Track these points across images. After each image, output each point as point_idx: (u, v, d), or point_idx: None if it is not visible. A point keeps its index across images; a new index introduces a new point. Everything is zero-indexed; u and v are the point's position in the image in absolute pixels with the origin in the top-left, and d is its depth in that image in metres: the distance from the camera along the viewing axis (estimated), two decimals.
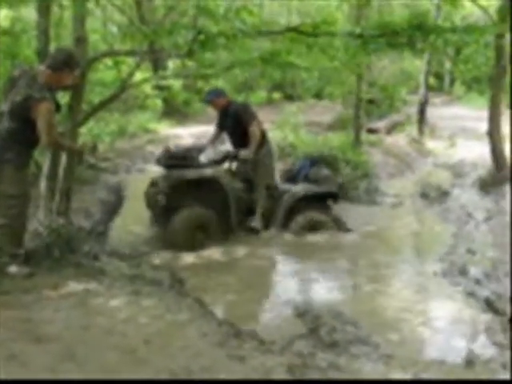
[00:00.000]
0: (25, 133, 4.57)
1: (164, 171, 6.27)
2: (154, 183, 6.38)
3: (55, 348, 3.65)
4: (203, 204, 6.12)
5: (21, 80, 4.59)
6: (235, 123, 6.50)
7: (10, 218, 4.68)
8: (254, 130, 6.35)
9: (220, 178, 6.23)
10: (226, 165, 6.56)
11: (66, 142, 5.10)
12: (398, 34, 5.20)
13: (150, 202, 6.36)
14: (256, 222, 6.41)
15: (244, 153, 6.32)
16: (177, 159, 6.14)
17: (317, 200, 6.72)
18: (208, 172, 6.19)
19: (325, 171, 7.03)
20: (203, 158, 6.28)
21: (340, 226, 6.75)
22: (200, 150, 6.48)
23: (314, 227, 6.57)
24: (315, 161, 7.15)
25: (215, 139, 6.93)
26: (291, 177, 7.11)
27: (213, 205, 6.17)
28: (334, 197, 6.95)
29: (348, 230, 6.76)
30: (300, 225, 6.51)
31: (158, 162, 6.39)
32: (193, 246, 5.93)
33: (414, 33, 5.15)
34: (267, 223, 6.51)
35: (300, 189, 6.69)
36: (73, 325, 4.00)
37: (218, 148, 6.76)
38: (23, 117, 4.51)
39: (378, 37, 5.28)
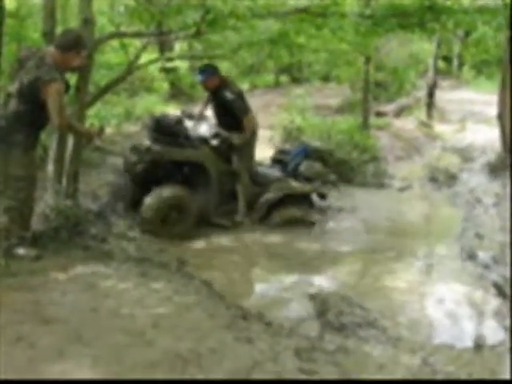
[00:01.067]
0: (33, 114, 4.53)
1: (149, 140, 5.93)
2: (136, 148, 6.05)
3: (63, 330, 3.65)
4: (184, 183, 5.88)
5: (29, 62, 4.55)
6: (223, 111, 6.34)
7: (17, 201, 4.67)
8: (248, 123, 6.21)
9: (206, 162, 6.00)
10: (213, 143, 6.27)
11: (76, 124, 5.07)
12: (409, 15, 5.14)
13: (128, 168, 6.06)
14: (240, 215, 6.24)
15: (236, 139, 6.16)
16: (165, 134, 5.84)
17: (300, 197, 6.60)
18: (194, 154, 5.95)
19: (317, 167, 6.83)
20: (193, 129, 6.14)
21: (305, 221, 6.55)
22: (189, 117, 6.36)
23: (292, 222, 6.41)
24: (310, 152, 6.90)
25: (203, 111, 6.69)
26: (282, 161, 6.88)
27: (194, 186, 5.94)
28: (322, 196, 6.85)
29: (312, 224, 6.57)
30: (279, 219, 6.35)
31: (145, 128, 6.13)
32: (164, 226, 5.70)
33: (425, 14, 5.08)
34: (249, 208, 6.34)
35: (285, 186, 6.52)
36: (80, 307, 4.00)
37: (209, 123, 6.50)
38: (32, 98, 4.47)
39: (389, 18, 5.22)
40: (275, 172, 6.67)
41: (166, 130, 5.86)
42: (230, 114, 6.24)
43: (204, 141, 6.16)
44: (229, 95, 6.23)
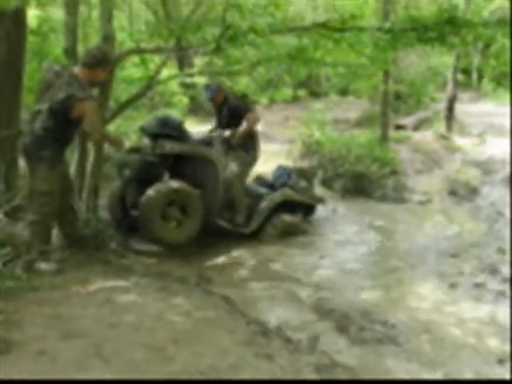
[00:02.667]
0: (61, 131, 4.63)
1: (151, 140, 5.77)
2: (135, 150, 5.90)
3: (83, 344, 3.66)
4: (189, 182, 5.63)
5: (58, 80, 4.62)
6: (231, 118, 6.39)
7: (42, 215, 4.74)
8: (249, 118, 6.27)
9: (216, 160, 5.91)
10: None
11: (108, 133, 5.21)
12: (428, 29, 5.12)
13: (123, 168, 5.89)
14: (240, 216, 6.23)
15: (228, 134, 6.22)
16: (169, 129, 5.72)
17: (293, 208, 6.62)
18: (205, 150, 5.87)
19: (303, 183, 6.92)
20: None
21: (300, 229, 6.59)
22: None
23: (288, 231, 6.45)
24: (290, 173, 6.97)
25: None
26: (265, 184, 6.93)
27: (199, 185, 5.71)
28: (311, 209, 6.90)
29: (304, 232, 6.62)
30: (275, 228, 6.37)
31: (145, 129, 5.87)
32: (166, 226, 5.50)
33: (445, 27, 5.06)
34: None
35: (283, 193, 6.60)
36: (101, 321, 4.01)
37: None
38: (62, 115, 4.55)
39: (408, 31, 5.20)
40: (263, 189, 6.71)
41: (170, 129, 5.76)
42: (236, 123, 6.32)
43: (204, 142, 6.19)
44: (234, 101, 6.47)
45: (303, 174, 7.04)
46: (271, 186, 6.85)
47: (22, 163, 6.37)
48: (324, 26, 5.44)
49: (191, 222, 5.60)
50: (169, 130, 5.72)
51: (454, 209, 8.32)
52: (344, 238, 6.62)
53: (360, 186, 8.86)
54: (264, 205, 6.36)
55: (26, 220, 4.77)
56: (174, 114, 14.51)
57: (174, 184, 5.51)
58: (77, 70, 4.72)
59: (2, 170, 5.34)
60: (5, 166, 5.38)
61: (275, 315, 4.31)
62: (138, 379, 3.20)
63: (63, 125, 4.58)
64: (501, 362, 3.78)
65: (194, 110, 16.37)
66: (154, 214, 5.36)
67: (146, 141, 5.84)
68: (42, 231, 4.79)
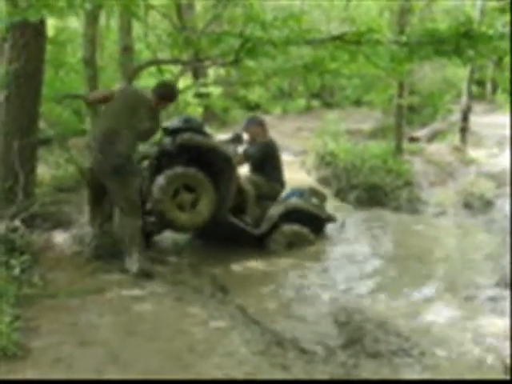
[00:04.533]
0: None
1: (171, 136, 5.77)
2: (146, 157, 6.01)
3: (100, 352, 3.70)
4: (205, 174, 5.63)
5: (139, 105, 5.16)
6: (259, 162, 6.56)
7: (138, 220, 5.15)
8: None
9: (232, 157, 5.91)
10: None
11: None
12: (445, 42, 5.13)
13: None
14: (249, 216, 6.22)
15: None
16: (189, 125, 5.74)
17: (303, 221, 6.56)
18: (224, 147, 5.89)
19: (314, 201, 6.86)
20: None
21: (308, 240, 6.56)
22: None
23: (295, 241, 6.41)
24: (302, 192, 6.90)
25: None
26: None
27: (213, 178, 5.70)
28: (320, 224, 6.84)
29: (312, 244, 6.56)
30: (284, 236, 6.33)
31: (167, 128, 5.85)
32: (177, 209, 5.48)
33: (461, 40, 5.07)
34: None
35: (296, 201, 6.61)
36: (117, 329, 4.05)
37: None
38: (144, 139, 5.34)
39: (425, 44, 5.22)
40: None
41: (190, 125, 5.77)
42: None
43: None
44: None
45: (315, 193, 7.02)
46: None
47: (40, 170, 6.48)
48: (341, 38, 5.47)
49: (203, 205, 5.59)
50: (189, 126, 5.75)
51: (468, 221, 8.28)
52: (357, 250, 6.61)
53: (374, 197, 8.85)
54: (275, 210, 6.35)
55: (122, 226, 5.17)
56: None
57: (182, 169, 5.53)
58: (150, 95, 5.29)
59: (22, 178, 5.41)
60: (24, 174, 5.45)
61: (290, 326, 4.31)
62: (139, 379, 3.21)
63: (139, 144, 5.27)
64: None
65: (208, 119, 16.45)
66: (164, 199, 5.39)
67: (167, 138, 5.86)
68: (139, 234, 5.16)
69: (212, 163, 5.79)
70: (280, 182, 6.66)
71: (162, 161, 5.67)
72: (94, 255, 5.26)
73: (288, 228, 6.35)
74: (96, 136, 5.13)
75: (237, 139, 6.37)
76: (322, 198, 7.04)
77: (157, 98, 5.28)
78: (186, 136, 5.59)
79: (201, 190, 5.55)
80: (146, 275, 5.00)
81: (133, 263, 5.05)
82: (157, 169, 5.69)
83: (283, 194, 6.81)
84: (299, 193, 6.82)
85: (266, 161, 6.57)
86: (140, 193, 5.45)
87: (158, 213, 5.43)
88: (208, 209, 5.60)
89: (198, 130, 5.76)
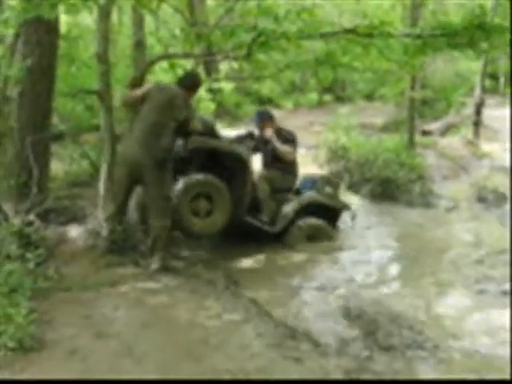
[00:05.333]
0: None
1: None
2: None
3: (114, 344, 3.73)
4: (219, 177, 5.63)
5: (176, 100, 5.17)
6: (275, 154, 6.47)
7: (167, 218, 5.15)
8: (291, 150, 6.44)
9: (247, 159, 5.90)
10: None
11: None
12: (458, 34, 5.10)
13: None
14: (265, 215, 6.23)
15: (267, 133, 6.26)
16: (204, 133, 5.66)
17: (317, 213, 6.57)
18: (238, 148, 5.85)
19: (329, 189, 6.83)
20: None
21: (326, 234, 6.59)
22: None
23: (313, 235, 6.43)
24: (315, 181, 6.88)
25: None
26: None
27: (229, 182, 5.69)
28: (336, 215, 6.83)
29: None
30: (301, 231, 6.35)
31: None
32: (193, 216, 5.48)
33: (475, 33, 5.04)
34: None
35: (310, 195, 6.58)
36: (131, 322, 4.08)
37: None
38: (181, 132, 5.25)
39: (438, 37, 5.19)
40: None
41: (206, 129, 5.68)
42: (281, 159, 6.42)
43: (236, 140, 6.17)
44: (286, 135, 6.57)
45: (328, 181, 6.99)
46: (297, 192, 6.80)
47: (53, 166, 6.53)
48: (353, 31, 5.45)
49: (219, 213, 5.59)
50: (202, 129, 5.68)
51: (482, 215, 8.24)
52: (371, 244, 6.61)
53: (387, 190, 8.84)
54: (290, 207, 6.35)
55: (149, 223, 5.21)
56: None
57: (200, 176, 5.53)
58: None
59: (36, 173, 5.45)
60: (38, 169, 5.49)
61: (304, 319, 4.32)
62: (141, 379, 3.23)
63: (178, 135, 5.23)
64: None
65: (221, 115, 16.45)
66: (182, 206, 5.39)
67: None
68: (166, 234, 5.17)
69: (227, 166, 5.81)
70: (294, 174, 6.65)
71: (176, 168, 5.58)
72: (108, 249, 5.29)
73: (304, 222, 6.36)
74: (139, 130, 5.11)
75: (249, 136, 6.37)
76: (336, 185, 7.02)
77: (185, 90, 5.31)
78: (199, 140, 5.58)
79: (217, 197, 5.57)
80: (162, 270, 5.04)
81: (155, 261, 5.09)
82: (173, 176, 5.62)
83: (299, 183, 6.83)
84: (312, 181, 6.80)
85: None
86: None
87: (175, 219, 5.41)
88: (224, 216, 5.61)
89: (210, 131, 5.72)
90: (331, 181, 7.04)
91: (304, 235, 6.35)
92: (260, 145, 6.57)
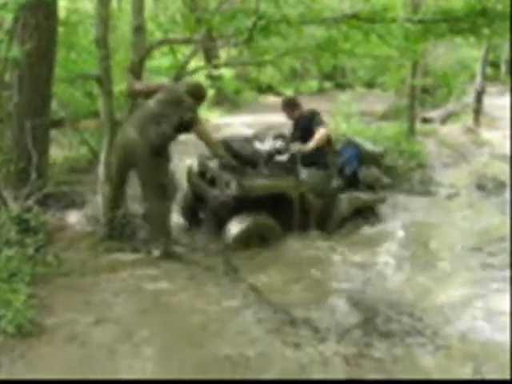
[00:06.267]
0: (175, 136, 5.25)
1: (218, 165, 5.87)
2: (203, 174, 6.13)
3: (114, 330, 3.74)
4: (266, 211, 5.78)
5: (183, 98, 5.25)
6: (304, 133, 6.29)
7: (161, 205, 5.15)
8: (320, 131, 6.07)
9: (290, 191, 5.88)
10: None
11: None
12: (460, 20, 5.06)
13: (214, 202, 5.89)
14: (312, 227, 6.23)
15: (295, 147, 6.01)
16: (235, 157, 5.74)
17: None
18: (277, 185, 5.81)
19: (375, 172, 6.77)
20: (258, 145, 6.12)
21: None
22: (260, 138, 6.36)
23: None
24: (361, 156, 6.74)
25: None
26: (337, 166, 6.77)
27: (276, 213, 5.84)
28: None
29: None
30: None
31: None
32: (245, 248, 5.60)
33: (477, 18, 5.00)
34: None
35: (355, 198, 6.53)
36: (131, 308, 4.08)
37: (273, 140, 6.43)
38: (183, 128, 5.24)
39: (440, 23, 5.15)
40: (334, 181, 6.52)
41: (235, 153, 5.78)
42: (309, 137, 6.24)
43: (270, 156, 6.10)
44: (306, 116, 6.42)
45: (373, 157, 6.90)
46: (340, 171, 6.71)
47: (53, 152, 6.51)
48: (355, 16, 5.41)
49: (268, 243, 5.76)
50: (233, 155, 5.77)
51: (481, 203, 8.23)
52: (371, 232, 6.59)
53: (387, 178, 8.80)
54: (337, 213, 6.35)
55: (146, 209, 5.34)
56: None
57: (255, 219, 5.65)
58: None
59: (35, 158, 5.44)
60: (37, 154, 5.47)
61: (303, 305, 4.32)
62: (143, 379, 3.23)
63: (179, 132, 5.22)
64: None
65: (220, 101, 16.42)
66: (237, 246, 5.53)
67: (212, 163, 5.96)
68: (167, 218, 5.25)
69: (274, 199, 5.86)
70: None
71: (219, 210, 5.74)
72: (107, 235, 5.28)
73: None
74: (140, 117, 5.13)
75: (281, 137, 6.43)
76: (380, 156, 7.03)
77: (192, 99, 5.37)
78: (245, 185, 5.55)
79: (269, 235, 5.74)
80: (167, 256, 5.06)
81: (157, 246, 5.12)
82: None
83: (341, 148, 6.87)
84: (355, 154, 6.74)
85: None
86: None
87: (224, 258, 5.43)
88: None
89: (235, 152, 5.74)
90: (374, 156, 6.91)
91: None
92: (294, 131, 6.58)
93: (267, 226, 5.74)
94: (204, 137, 5.31)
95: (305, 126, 6.29)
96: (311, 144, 6.00)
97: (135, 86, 5.47)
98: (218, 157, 5.54)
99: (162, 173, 5.14)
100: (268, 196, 5.75)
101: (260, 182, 5.67)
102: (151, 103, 5.19)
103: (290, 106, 6.52)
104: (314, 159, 6.17)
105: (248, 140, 6.16)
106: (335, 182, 6.49)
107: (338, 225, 6.33)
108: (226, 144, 5.79)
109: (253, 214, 5.66)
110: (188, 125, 5.18)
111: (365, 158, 6.79)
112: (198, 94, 5.43)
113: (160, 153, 5.07)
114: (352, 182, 6.65)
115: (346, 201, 6.38)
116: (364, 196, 6.61)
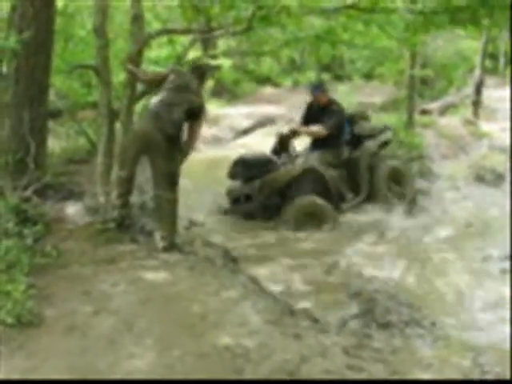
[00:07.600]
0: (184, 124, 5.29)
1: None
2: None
3: (114, 320, 3.72)
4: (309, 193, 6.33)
5: (190, 83, 5.30)
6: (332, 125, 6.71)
7: (174, 193, 5.21)
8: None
9: (319, 168, 6.47)
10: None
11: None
12: (461, 11, 5.04)
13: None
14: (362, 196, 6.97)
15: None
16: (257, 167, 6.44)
17: None
18: (308, 163, 6.45)
19: (369, 124, 7.30)
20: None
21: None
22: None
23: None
24: (349, 119, 7.18)
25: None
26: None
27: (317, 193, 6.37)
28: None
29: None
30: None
31: (234, 175, 6.62)
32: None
33: (478, 9, 4.98)
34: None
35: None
36: (130, 299, 4.06)
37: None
38: (193, 114, 5.28)
39: (440, 13, 5.13)
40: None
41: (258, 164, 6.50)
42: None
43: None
44: (339, 110, 6.90)
45: (360, 116, 7.36)
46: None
47: (51, 143, 6.48)
48: (355, 6, 5.38)
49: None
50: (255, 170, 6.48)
51: (480, 194, 8.24)
52: (369, 223, 6.59)
53: None
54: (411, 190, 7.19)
55: (155, 197, 5.31)
56: None
57: (316, 199, 6.29)
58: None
59: (32, 149, 5.41)
60: (35, 145, 5.45)
61: (302, 296, 4.33)
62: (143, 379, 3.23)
63: (188, 119, 5.26)
64: None
65: (219, 92, 16.35)
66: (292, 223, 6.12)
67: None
68: (171, 206, 5.22)
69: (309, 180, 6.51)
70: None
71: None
72: (106, 226, 5.26)
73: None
74: (155, 107, 5.18)
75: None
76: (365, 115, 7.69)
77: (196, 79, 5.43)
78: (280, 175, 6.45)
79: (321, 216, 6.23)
80: (170, 248, 5.05)
81: (163, 238, 5.08)
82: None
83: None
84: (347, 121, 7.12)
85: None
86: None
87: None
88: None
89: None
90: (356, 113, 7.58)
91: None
92: (317, 115, 6.91)
93: (322, 206, 6.23)
94: (197, 128, 5.36)
95: (335, 119, 6.73)
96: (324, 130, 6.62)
97: (143, 75, 5.50)
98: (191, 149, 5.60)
99: (174, 163, 5.20)
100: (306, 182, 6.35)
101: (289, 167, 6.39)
102: (164, 92, 5.23)
103: (321, 90, 6.88)
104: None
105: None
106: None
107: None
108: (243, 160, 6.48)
109: (308, 195, 6.27)
110: (198, 111, 5.26)
111: (351, 118, 7.25)
112: (199, 71, 5.46)
113: (175, 141, 5.13)
114: (354, 141, 7.12)
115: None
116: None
